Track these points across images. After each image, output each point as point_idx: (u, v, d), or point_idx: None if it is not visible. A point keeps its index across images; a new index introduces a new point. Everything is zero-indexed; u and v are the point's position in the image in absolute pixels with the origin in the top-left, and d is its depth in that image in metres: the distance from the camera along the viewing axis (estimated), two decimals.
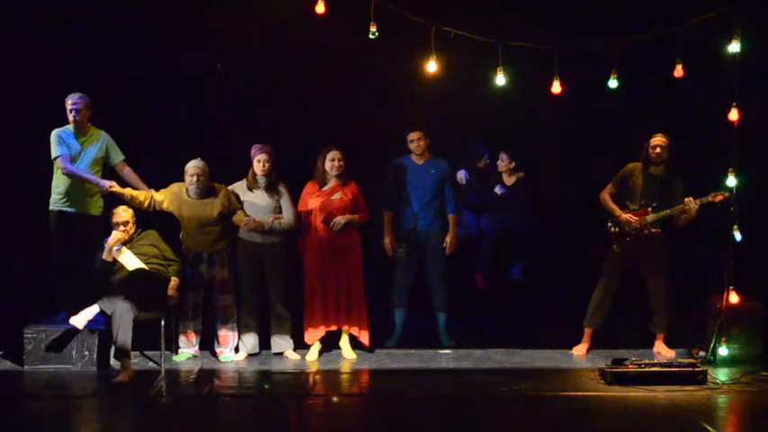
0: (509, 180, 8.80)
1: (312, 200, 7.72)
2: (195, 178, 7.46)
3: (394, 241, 8.03)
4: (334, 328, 7.75)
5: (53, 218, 7.57)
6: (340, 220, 7.62)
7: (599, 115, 8.49)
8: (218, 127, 8.57)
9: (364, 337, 7.80)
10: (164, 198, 7.55)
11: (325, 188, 7.73)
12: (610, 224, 7.73)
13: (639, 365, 6.97)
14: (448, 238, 8.03)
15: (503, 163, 8.79)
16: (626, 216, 7.65)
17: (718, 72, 7.44)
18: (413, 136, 7.98)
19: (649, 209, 7.63)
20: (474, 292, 8.86)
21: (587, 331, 7.90)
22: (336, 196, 7.71)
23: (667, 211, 7.58)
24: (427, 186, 8.00)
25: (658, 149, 7.60)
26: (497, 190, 8.74)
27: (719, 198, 7.41)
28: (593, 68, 7.67)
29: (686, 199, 7.49)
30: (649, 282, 7.75)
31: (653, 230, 7.64)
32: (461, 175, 8.72)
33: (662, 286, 7.70)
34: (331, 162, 7.68)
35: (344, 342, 7.84)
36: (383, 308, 8.21)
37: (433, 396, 6.78)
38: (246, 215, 7.57)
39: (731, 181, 7.35)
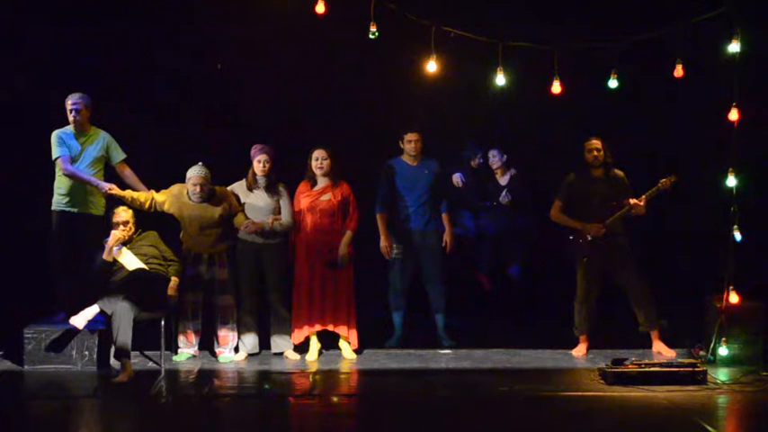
0: (503, 179, 8.80)
1: (302, 199, 7.72)
2: (198, 188, 7.43)
3: (391, 243, 8.02)
4: (319, 328, 7.72)
5: (55, 218, 7.56)
6: (344, 254, 7.62)
7: (598, 115, 8.48)
8: (218, 127, 8.57)
9: (352, 339, 7.77)
10: (164, 199, 7.55)
11: (316, 188, 7.72)
12: (572, 237, 7.72)
13: (639, 365, 6.97)
14: (447, 237, 8.02)
15: (494, 160, 8.78)
16: (591, 226, 7.62)
17: (718, 72, 7.44)
18: (411, 137, 7.95)
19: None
20: (477, 292, 8.86)
21: (582, 337, 7.90)
22: (325, 197, 7.68)
23: (617, 212, 7.60)
24: (422, 187, 7.97)
25: (594, 152, 7.64)
26: (503, 199, 8.73)
27: (668, 183, 7.46)
28: (593, 68, 7.67)
29: (632, 201, 7.53)
30: (623, 283, 7.72)
31: (617, 230, 7.65)
32: (458, 179, 8.71)
33: (636, 283, 7.67)
34: (315, 161, 7.66)
35: (344, 342, 7.84)
36: (378, 309, 8.20)
37: (433, 396, 6.78)
38: (246, 217, 7.57)
39: (731, 181, 7.35)
